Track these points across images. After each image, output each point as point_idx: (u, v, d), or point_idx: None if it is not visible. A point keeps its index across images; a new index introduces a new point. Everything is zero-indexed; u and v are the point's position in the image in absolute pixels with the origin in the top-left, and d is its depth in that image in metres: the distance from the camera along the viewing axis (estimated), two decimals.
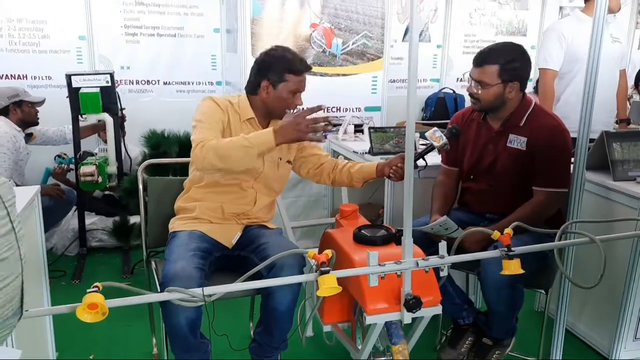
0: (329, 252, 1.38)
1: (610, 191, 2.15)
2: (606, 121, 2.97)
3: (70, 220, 3.43)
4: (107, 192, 3.56)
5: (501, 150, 2.06)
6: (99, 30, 3.95)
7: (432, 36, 4.65)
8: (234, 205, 2.02)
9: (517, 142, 2.03)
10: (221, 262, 2.00)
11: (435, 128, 2.00)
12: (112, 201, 3.54)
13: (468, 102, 4.59)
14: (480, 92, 2.01)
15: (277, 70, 1.95)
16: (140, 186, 2.10)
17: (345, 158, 2.79)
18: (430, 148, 1.99)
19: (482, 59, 1.99)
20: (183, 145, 3.02)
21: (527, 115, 2.04)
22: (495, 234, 1.49)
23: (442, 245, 1.49)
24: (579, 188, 1.94)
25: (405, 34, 4.56)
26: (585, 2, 2.97)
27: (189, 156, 3.04)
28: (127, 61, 4.08)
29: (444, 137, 1.96)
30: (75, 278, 3.03)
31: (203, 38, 4.20)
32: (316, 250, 2.17)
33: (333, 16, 3.51)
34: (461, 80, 4.79)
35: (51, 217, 3.19)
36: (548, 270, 2.03)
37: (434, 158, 2.61)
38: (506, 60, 1.96)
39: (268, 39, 3.42)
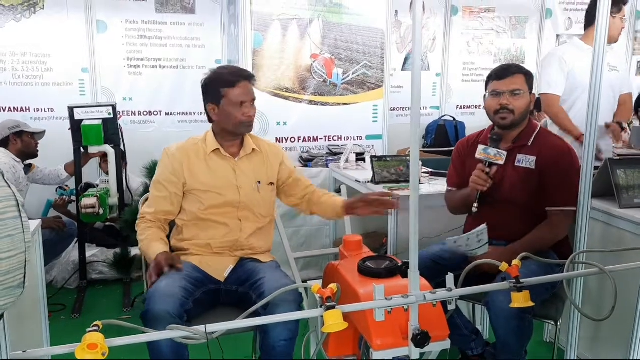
0: (334, 287, 1.36)
1: (616, 219, 2.12)
2: (605, 149, 2.97)
3: (71, 253, 3.40)
4: (108, 223, 3.55)
5: (509, 170, 2.05)
6: (102, 63, 4.01)
7: (431, 65, 4.70)
8: (221, 238, 2.01)
9: (525, 161, 2.04)
10: (217, 296, 1.97)
11: (482, 148, 2.02)
12: (114, 232, 3.52)
13: (469, 129, 4.66)
14: (515, 102, 2.01)
15: (214, 90, 2.00)
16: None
17: (348, 187, 2.78)
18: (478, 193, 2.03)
19: (509, 70, 2.04)
20: None
21: (535, 135, 2.06)
22: (503, 266, 1.47)
23: (450, 278, 1.46)
24: (585, 216, 1.92)
25: (405, 63, 4.62)
26: (585, 30, 2.99)
27: None
28: (130, 92, 4.12)
29: (495, 149, 1.99)
30: (75, 312, 2.98)
31: (205, 69, 4.16)
32: (319, 283, 2.14)
33: (333, 47, 3.55)
34: (461, 107, 4.82)
35: (52, 250, 3.17)
36: (557, 300, 1.99)
37: (437, 186, 2.61)
38: (527, 72, 2.06)
39: (269, 70, 3.46)
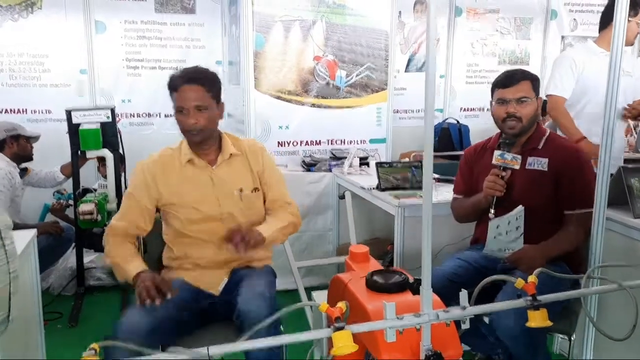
0: (342, 305, 1.29)
1: (631, 229, 2.05)
2: (616, 155, 2.90)
3: (69, 259, 3.33)
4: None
5: (521, 173, 1.99)
6: (100, 64, 3.94)
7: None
8: (213, 257, 1.89)
9: (537, 163, 1.99)
10: (212, 310, 1.88)
11: (498, 153, 1.97)
12: None
13: (473, 132, 4.59)
14: (523, 110, 1.97)
15: (169, 94, 1.86)
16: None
17: (353, 194, 2.72)
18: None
19: (515, 77, 2.00)
20: None
21: (544, 138, 2.03)
22: (519, 283, 1.40)
23: (463, 295, 1.39)
24: (600, 227, 1.85)
25: (408, 64, 4.54)
26: (599, 32, 2.92)
27: None
28: (128, 94, 4.05)
29: (511, 154, 1.95)
30: (72, 321, 2.91)
31: None
32: (323, 294, 2.08)
33: (336, 49, 3.48)
34: (465, 110, 4.75)
35: (49, 255, 3.10)
36: (570, 313, 1.93)
37: (444, 194, 2.54)
38: (533, 77, 2.02)
39: (271, 72, 3.39)
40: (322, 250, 3.39)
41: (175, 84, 1.82)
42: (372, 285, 1.63)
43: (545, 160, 1.98)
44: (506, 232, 1.76)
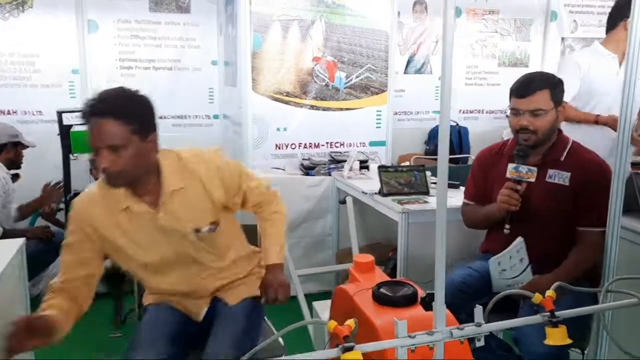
0: (351, 323, 1.21)
1: None
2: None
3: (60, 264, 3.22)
4: None
5: (539, 186, 1.89)
6: (93, 64, 3.84)
7: (433, 68, 4.56)
8: (185, 286, 1.67)
9: (558, 177, 1.90)
10: (198, 338, 1.69)
11: (512, 166, 1.86)
12: None
13: (473, 134, 4.53)
14: (537, 122, 1.87)
15: None
16: None
17: (354, 199, 2.64)
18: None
19: (530, 87, 1.88)
20: None
21: (567, 149, 1.93)
22: (537, 297, 1.33)
23: (478, 311, 1.32)
24: (615, 237, 1.79)
25: (407, 65, 4.47)
26: (606, 34, 2.86)
27: None
28: None
29: (526, 166, 1.85)
30: None
31: (200, 71, 4.10)
32: (325, 303, 2.00)
33: (336, 49, 3.40)
34: (464, 112, 4.69)
35: (40, 261, 3.00)
36: (583, 325, 1.86)
37: (449, 199, 2.46)
38: (553, 83, 1.90)
39: (269, 73, 3.31)
40: (321, 255, 3.31)
41: (85, 116, 1.46)
42: (379, 299, 1.56)
43: (568, 174, 1.88)
44: (510, 267, 1.65)
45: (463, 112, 4.70)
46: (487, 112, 4.75)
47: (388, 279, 1.75)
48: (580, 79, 2.78)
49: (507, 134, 4.45)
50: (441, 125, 1.24)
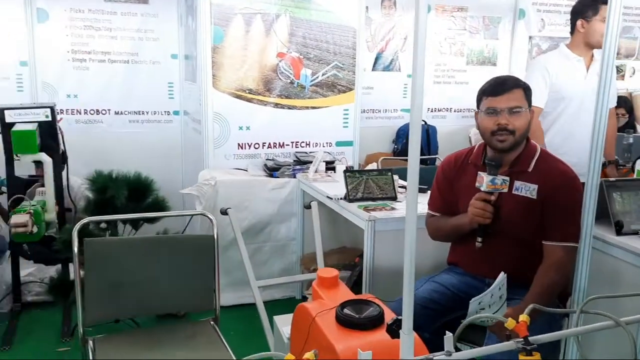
0: (311, 357, 1.09)
1: (613, 247, 1.94)
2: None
3: (4, 270, 3.00)
4: (47, 234, 3.16)
5: (506, 199, 1.80)
6: (43, 56, 3.60)
7: (402, 65, 4.48)
8: None
9: (525, 189, 1.80)
10: None
11: (489, 179, 1.76)
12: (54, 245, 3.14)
13: (441, 133, 4.47)
14: (515, 121, 1.77)
15: None
16: (75, 249, 1.76)
17: (319, 204, 2.52)
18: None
19: (506, 84, 1.81)
20: (133, 188, 2.67)
21: (535, 159, 1.83)
22: (511, 323, 1.23)
23: (448, 339, 1.21)
24: (587, 250, 1.72)
25: (375, 62, 4.37)
26: (570, 35, 2.80)
27: (139, 200, 2.76)
28: (75, 89, 3.73)
29: (500, 177, 1.75)
30: (5, 344, 2.61)
31: (159, 64, 3.90)
32: (287, 319, 1.87)
33: (301, 45, 3.26)
34: (432, 110, 4.62)
35: None
36: (553, 347, 1.79)
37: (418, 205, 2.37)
38: (525, 85, 1.84)
39: (230, 69, 3.15)
40: (285, 261, 3.18)
41: None
42: (343, 321, 1.44)
43: (535, 187, 1.78)
44: (489, 305, 1.55)
45: (431, 111, 4.63)
46: (455, 111, 4.70)
47: (352, 295, 1.64)
48: (550, 83, 2.73)
49: (475, 133, 4.44)
50: (411, 138, 1.13)
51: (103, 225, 2.68)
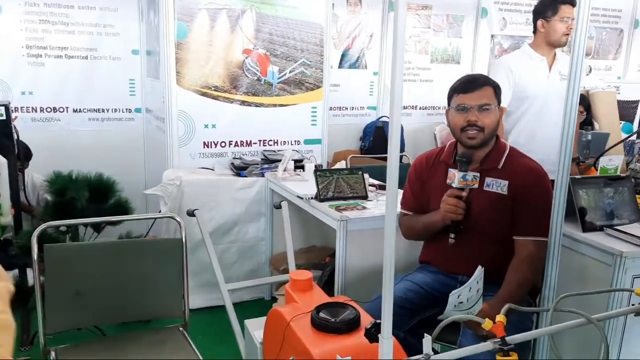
0: None
1: (580, 244, 1.98)
2: (554, 160, 2.85)
3: None
4: (3, 238, 3.01)
5: (477, 195, 1.82)
6: None
7: (368, 63, 4.48)
8: None
9: (496, 185, 1.82)
10: None
11: (460, 175, 1.76)
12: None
13: (407, 131, 4.49)
14: (485, 118, 1.79)
15: None
16: (35, 256, 1.66)
17: (289, 203, 2.48)
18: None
19: (477, 82, 1.82)
20: (94, 189, 2.56)
21: (505, 156, 1.86)
22: (488, 324, 1.24)
23: (427, 341, 1.20)
24: (557, 247, 1.75)
25: (342, 59, 4.35)
26: (533, 34, 2.85)
27: (101, 202, 2.65)
28: (30, 86, 3.57)
29: (471, 173, 1.75)
30: None
31: (119, 60, 3.76)
32: (259, 323, 1.83)
33: (268, 42, 3.21)
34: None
35: None
36: (525, 346, 1.81)
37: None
38: (495, 83, 1.86)
39: (195, 65, 3.06)
40: (254, 261, 3.13)
41: None
42: (319, 325, 1.42)
43: (505, 183, 1.81)
44: (467, 299, 1.55)
45: None
46: (420, 109, 4.74)
47: (327, 298, 1.61)
48: (513, 83, 2.77)
49: (440, 130, 4.49)
50: (391, 128, 1.11)
51: (63, 228, 2.57)
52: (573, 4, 2.72)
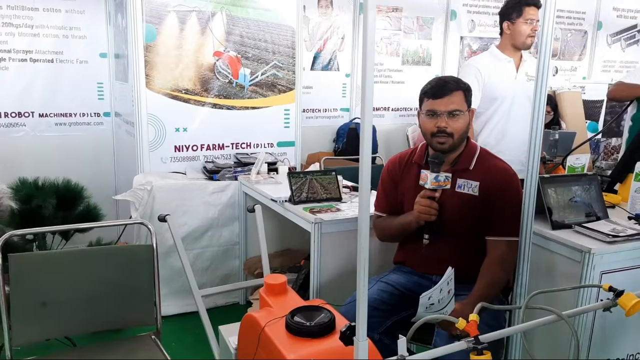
0: None
1: (550, 241, 2.01)
2: (523, 160, 2.90)
3: None
4: None
5: (449, 196, 1.83)
6: None
7: (340, 65, 4.49)
8: None
9: (467, 186, 1.84)
10: None
11: (432, 176, 1.76)
12: None
13: (381, 132, 4.52)
14: (454, 124, 1.80)
15: None
16: None
17: (263, 207, 2.46)
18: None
19: (446, 87, 1.82)
20: (62, 196, 2.50)
21: (476, 158, 1.88)
22: (461, 323, 1.25)
23: (402, 342, 1.21)
24: (528, 245, 1.77)
25: (314, 61, 4.36)
26: (500, 36, 2.90)
27: (69, 209, 2.59)
28: None
29: (443, 174, 1.75)
30: None
31: (87, 64, 3.69)
32: (234, 329, 1.81)
33: (239, 44, 3.18)
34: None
35: None
36: (498, 345, 1.84)
37: None
38: (465, 87, 1.86)
39: (165, 68, 3.02)
40: (228, 265, 3.10)
41: None
42: (294, 330, 1.40)
43: (476, 184, 1.82)
44: (439, 300, 1.56)
45: None
46: (392, 110, 4.77)
47: (302, 301, 1.60)
48: (482, 85, 2.81)
49: (412, 131, 4.53)
50: (363, 131, 1.11)
51: (30, 237, 2.49)
52: (538, 6, 2.78)
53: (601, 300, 1.71)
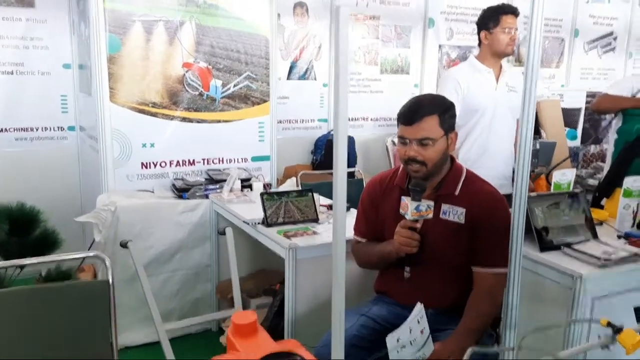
0: None
1: (537, 264, 1.90)
2: (505, 173, 2.81)
3: None
4: None
5: (433, 225, 1.70)
6: None
7: (317, 74, 4.36)
8: None
9: (453, 213, 1.71)
10: None
11: (414, 206, 1.61)
12: None
13: (359, 143, 4.41)
14: (425, 153, 1.66)
15: None
16: None
17: (235, 228, 2.31)
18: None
19: (417, 113, 1.67)
20: (15, 220, 2.31)
21: (461, 181, 1.74)
22: None
23: None
24: (517, 273, 1.65)
25: (290, 71, 4.22)
26: (479, 46, 2.81)
27: (24, 235, 2.40)
28: None
29: (425, 202, 1.61)
30: None
31: (49, 75, 3.50)
32: None
33: (210, 54, 3.03)
34: (349, 120, 4.55)
35: None
36: None
37: None
38: (443, 108, 1.70)
39: (131, 80, 2.85)
40: (199, 289, 2.92)
41: None
42: None
43: (462, 210, 1.69)
44: (411, 342, 1.42)
45: (349, 121, 4.55)
46: (371, 120, 4.67)
47: (273, 344, 1.45)
48: (462, 96, 2.71)
49: (392, 142, 4.42)
50: (336, 144, 0.98)
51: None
52: (515, 14, 2.70)
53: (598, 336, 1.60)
